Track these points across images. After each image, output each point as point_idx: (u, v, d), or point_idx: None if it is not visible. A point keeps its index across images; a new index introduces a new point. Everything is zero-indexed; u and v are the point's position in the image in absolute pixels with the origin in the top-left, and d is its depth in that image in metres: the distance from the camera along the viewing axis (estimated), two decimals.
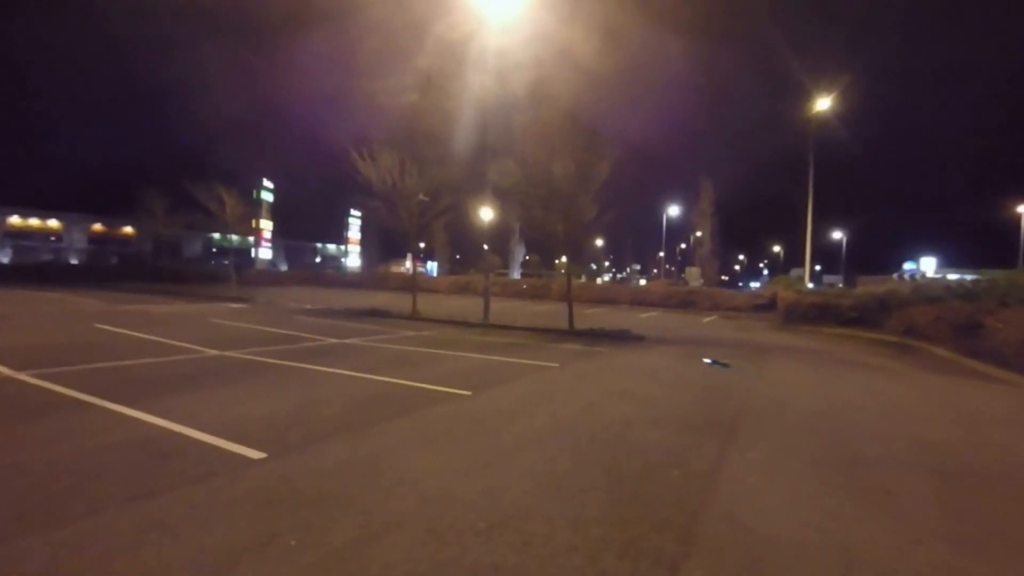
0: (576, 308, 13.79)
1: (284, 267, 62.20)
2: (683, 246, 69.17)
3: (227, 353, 8.11)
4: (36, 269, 32.71)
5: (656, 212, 50.68)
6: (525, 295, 30.38)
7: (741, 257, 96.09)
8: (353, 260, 80.00)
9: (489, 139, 15.30)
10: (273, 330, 11.37)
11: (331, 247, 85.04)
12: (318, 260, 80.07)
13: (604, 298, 29.08)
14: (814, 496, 3.52)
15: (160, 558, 2.45)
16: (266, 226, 66.04)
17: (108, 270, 35.27)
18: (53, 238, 60.59)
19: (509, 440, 4.45)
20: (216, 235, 55.14)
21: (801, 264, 23.31)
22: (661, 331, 14.93)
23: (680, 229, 56.54)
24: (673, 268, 76.20)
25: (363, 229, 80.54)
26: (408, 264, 57.21)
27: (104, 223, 61.84)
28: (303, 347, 9.19)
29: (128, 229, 59.66)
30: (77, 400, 5.07)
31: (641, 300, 28.06)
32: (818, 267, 61.31)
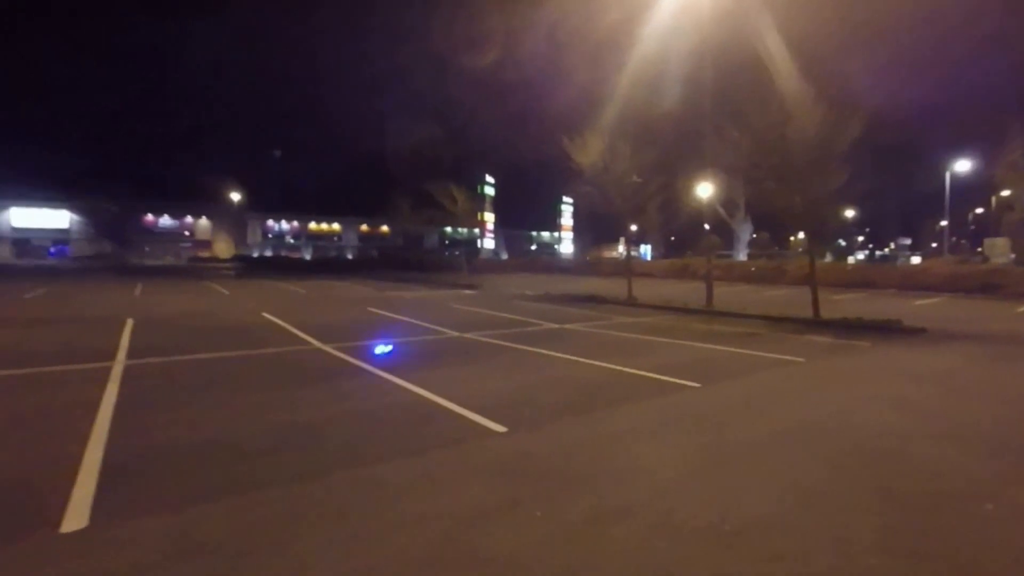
0: (821, 293, 11.81)
1: (504, 255, 68.01)
2: (978, 211, 53.84)
3: (465, 335, 9.20)
4: (326, 263, 42.80)
5: (935, 172, 39.94)
6: (753, 279, 27.38)
7: None
8: (566, 246, 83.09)
9: (709, 110, 14.07)
10: (500, 314, 12.49)
11: (545, 235, 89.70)
12: (533, 247, 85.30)
13: (859, 281, 24.35)
14: None
15: (429, 505, 2.90)
16: (489, 218, 73.19)
17: (371, 262, 43.58)
18: (336, 238, 77.52)
19: (746, 440, 4.05)
20: (448, 228, 63.34)
21: None
22: (948, 323, 11.78)
23: (972, 191, 43.86)
24: (963, 241, 60.00)
25: (575, 215, 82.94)
26: (621, 248, 56.88)
27: (368, 224, 76.49)
28: (527, 331, 9.88)
29: (384, 228, 72.61)
30: (361, 368, 6.36)
31: (914, 283, 22.66)
32: None
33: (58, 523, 2.63)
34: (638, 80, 15.86)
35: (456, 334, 9.32)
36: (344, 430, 4.16)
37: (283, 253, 64.41)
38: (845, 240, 62.02)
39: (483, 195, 69.94)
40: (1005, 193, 34.09)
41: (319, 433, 4.07)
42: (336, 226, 77.50)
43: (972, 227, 61.41)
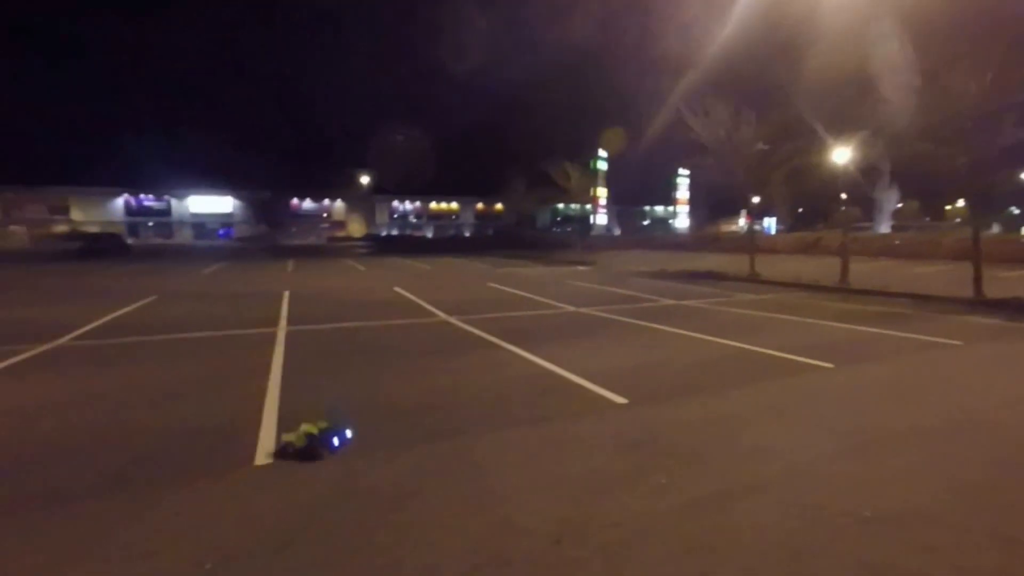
0: (986, 270, 10.25)
1: (617, 232, 66.55)
2: None
3: (581, 310, 9.36)
4: (445, 241, 45.05)
5: None
6: (899, 253, 24.26)
7: None
8: (681, 221, 79.23)
9: (846, 62, 12.54)
10: (615, 290, 12.44)
11: (659, 209, 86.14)
12: (647, 223, 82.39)
13: None
14: None
15: (558, 469, 3.13)
16: (601, 194, 71.80)
17: (487, 240, 44.99)
18: (454, 217, 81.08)
19: (888, 425, 3.79)
20: (561, 205, 63.28)
21: None
22: None
23: None
24: None
25: (691, 189, 78.60)
26: (742, 222, 53.00)
27: (484, 203, 78.86)
28: (643, 307, 9.79)
29: (499, 206, 74.37)
30: (486, 340, 6.77)
31: None
32: None
33: (251, 459, 3.27)
34: (766, 35, 14.53)
35: (573, 309, 9.52)
36: (475, 398, 4.53)
37: (407, 232, 69.01)
38: (1020, 208, 52.19)
39: (596, 170, 68.81)
40: None
41: (455, 399, 4.49)
42: (454, 205, 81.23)
43: None
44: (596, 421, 3.93)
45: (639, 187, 78.36)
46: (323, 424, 3.38)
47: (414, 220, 78.08)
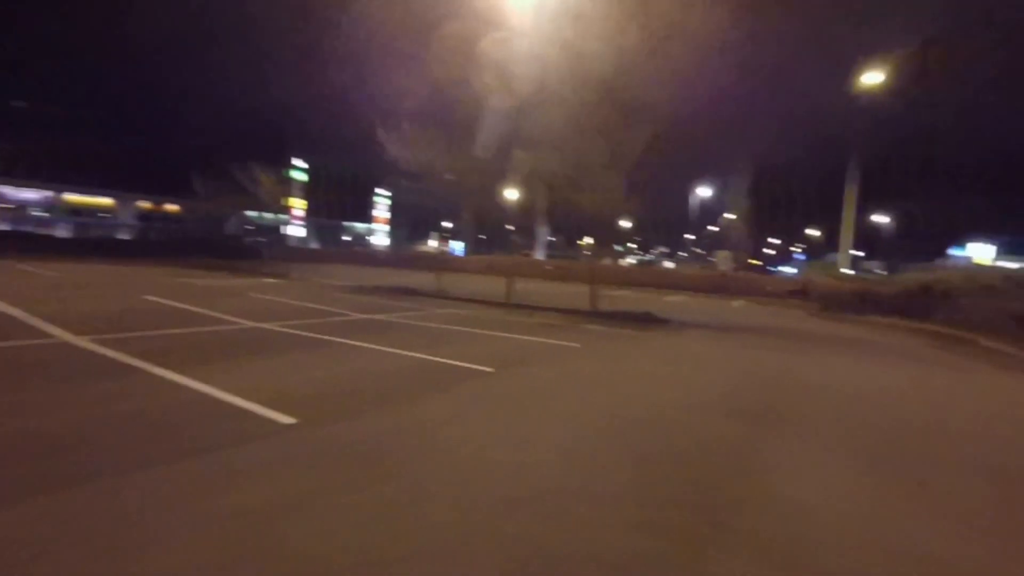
0: (601, 290, 13.74)
1: (315, 245, 63.50)
2: (714, 228, 67.68)
3: (262, 325, 8.41)
4: (91, 244, 34.48)
5: (687, 193, 49.50)
6: (550, 276, 30.36)
7: (775, 240, 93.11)
8: (381, 239, 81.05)
9: (519, 117, 15.17)
10: (304, 304, 11.69)
11: (359, 226, 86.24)
12: (347, 239, 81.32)
13: (630, 281, 28.80)
14: (849, 485, 3.45)
15: (206, 506, 2.62)
16: (298, 205, 67.49)
17: (154, 245, 36.62)
18: (107, 215, 63.48)
19: (535, 417, 4.55)
20: (253, 213, 56.74)
21: (840, 249, 22.53)
22: (687, 315, 14.78)
23: (712, 211, 55.21)
24: (702, 251, 74.66)
25: (391, 208, 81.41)
26: (435, 243, 57.66)
27: (151, 200, 64.27)
28: (332, 321, 9.45)
29: (173, 206, 61.95)
30: (127, 364, 5.35)
31: (668, 283, 27.76)
32: (860, 253, 58.85)
33: None
34: (456, 80, 16.23)
35: (252, 324, 8.45)
36: (103, 435, 3.49)
37: (28, 229, 49.64)
38: (622, 246, 72.50)
39: (291, 179, 64.12)
40: (731, 215, 43.76)
41: (70, 441, 3.35)
42: (107, 200, 63.05)
43: (710, 240, 77.19)
44: (259, 447, 3.48)
45: (340, 202, 76.99)
46: None
47: (41, 214, 57.63)
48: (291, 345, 7.06)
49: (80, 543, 2.31)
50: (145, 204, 65.10)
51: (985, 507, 3.30)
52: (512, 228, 19.89)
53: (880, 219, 58.69)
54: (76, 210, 61.34)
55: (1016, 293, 12.23)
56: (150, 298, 11.15)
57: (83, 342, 6.27)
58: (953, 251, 57.80)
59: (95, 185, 61.57)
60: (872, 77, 18.97)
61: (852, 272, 22.82)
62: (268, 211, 26.72)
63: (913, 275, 20.18)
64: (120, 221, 62.81)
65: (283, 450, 3.48)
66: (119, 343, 6.29)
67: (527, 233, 41.07)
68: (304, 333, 7.96)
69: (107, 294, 11.78)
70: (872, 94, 19.64)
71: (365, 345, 7.27)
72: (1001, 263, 37.62)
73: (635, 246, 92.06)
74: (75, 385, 4.65)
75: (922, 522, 3.00)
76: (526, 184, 18.16)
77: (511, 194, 19.41)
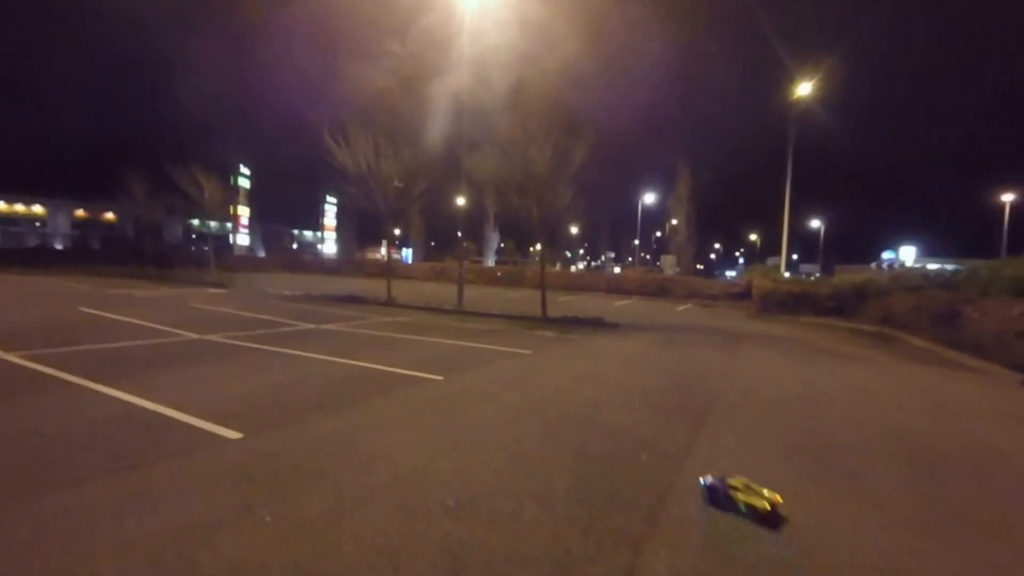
0: (550, 295, 13.95)
1: (262, 253, 61.16)
2: (659, 234, 70.01)
3: (206, 337, 8.06)
4: (22, 254, 32.04)
5: (632, 199, 51.02)
6: (500, 282, 30.50)
7: (717, 245, 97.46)
8: (329, 246, 78.93)
9: (465, 124, 15.24)
10: (251, 315, 11.26)
11: (308, 233, 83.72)
12: (295, 246, 78.73)
13: (578, 286, 29.40)
14: (782, 479, 3.57)
15: (144, 524, 2.52)
16: (244, 212, 64.86)
17: (92, 254, 34.35)
18: (38, 223, 59.10)
19: (480, 422, 4.59)
20: (196, 220, 54.14)
21: (778, 253, 23.79)
22: (635, 318, 15.23)
23: (656, 216, 57.04)
24: (648, 256, 77.03)
25: (339, 215, 79.49)
26: (384, 251, 56.62)
27: (87, 208, 60.31)
28: (281, 332, 9.16)
29: (110, 215, 58.33)
30: (61, 380, 5.05)
31: (616, 288, 28.47)
32: (795, 256, 62.61)
33: None
34: (404, 87, 16.09)
35: (195, 336, 8.08)
36: (28, 453, 3.27)
37: None
38: (570, 251, 73.82)
39: (237, 185, 61.51)
40: (674, 221, 45.38)
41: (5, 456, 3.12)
42: (38, 208, 58.31)
43: (655, 245, 79.74)
44: (199, 462, 3.36)
45: (287, 209, 74.58)
46: None
47: None
48: (234, 357, 6.79)
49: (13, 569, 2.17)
50: (80, 212, 61.05)
51: (882, 485, 3.60)
52: (462, 235, 19.90)
53: (815, 224, 62.66)
54: (7, 218, 56.92)
55: (934, 293, 13.29)
56: (86, 310, 10.47)
57: (12, 357, 5.84)
58: (886, 254, 62.54)
59: (25, 192, 57.33)
60: (802, 89, 20.23)
61: (789, 275, 24.10)
62: (212, 219, 25.39)
63: (846, 277, 21.51)
64: (53, 230, 58.71)
65: (222, 463, 3.37)
66: (53, 358, 5.90)
67: (478, 240, 41.13)
68: (251, 345, 7.69)
69: (40, 306, 10.99)
70: (802, 105, 20.94)
71: (311, 355, 7.10)
72: (924, 264, 40.91)
73: (583, 252, 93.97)
74: (1, 401, 4.32)
75: (823, 494, 3.26)
76: (475, 190, 18.25)
77: (460, 201, 19.41)
